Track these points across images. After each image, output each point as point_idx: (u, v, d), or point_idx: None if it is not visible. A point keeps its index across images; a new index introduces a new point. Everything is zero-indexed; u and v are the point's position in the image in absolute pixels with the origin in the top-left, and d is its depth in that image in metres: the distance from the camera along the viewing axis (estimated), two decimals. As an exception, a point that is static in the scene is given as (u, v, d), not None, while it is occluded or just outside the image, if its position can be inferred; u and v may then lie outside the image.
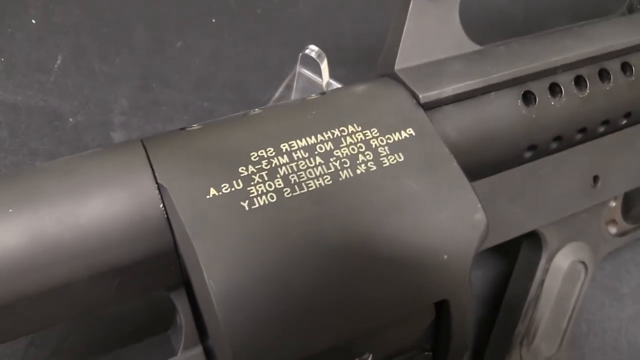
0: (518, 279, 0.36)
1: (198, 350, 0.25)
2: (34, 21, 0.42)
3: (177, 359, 0.25)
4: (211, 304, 0.20)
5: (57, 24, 0.42)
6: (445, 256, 0.23)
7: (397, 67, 0.27)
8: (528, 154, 0.30)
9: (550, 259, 0.34)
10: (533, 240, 0.34)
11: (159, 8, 0.44)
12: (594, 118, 0.31)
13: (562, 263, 0.34)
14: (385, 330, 0.23)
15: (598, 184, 0.34)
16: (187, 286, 0.24)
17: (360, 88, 0.27)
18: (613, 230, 0.37)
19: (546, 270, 0.34)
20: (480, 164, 0.28)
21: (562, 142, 0.31)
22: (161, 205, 0.21)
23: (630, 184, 0.35)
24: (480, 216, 0.24)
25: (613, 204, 0.37)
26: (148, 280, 0.22)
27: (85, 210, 0.21)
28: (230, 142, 0.23)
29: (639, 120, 0.33)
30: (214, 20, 0.44)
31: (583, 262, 0.35)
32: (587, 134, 0.31)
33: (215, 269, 0.20)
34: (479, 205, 0.24)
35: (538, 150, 0.30)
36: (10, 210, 0.20)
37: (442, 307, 0.24)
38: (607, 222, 0.37)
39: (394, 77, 0.27)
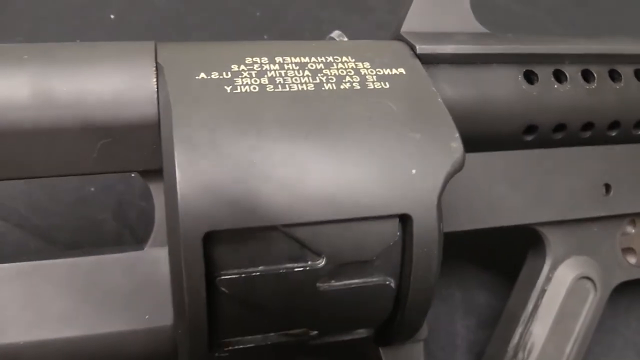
0: (519, 288, 0.33)
1: (165, 251, 0.25)
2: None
3: (142, 252, 0.25)
4: (172, 162, 0.21)
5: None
6: (414, 171, 0.23)
7: (402, 30, 0.29)
8: (529, 137, 0.30)
9: (554, 268, 0.32)
10: (537, 248, 0.33)
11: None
12: (601, 114, 0.30)
13: (566, 275, 0.32)
14: (341, 233, 0.22)
15: (610, 194, 0.32)
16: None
17: (363, 41, 0.29)
18: (632, 260, 0.34)
19: (549, 280, 0.32)
20: (476, 132, 0.28)
21: (567, 133, 0.30)
22: (154, 80, 0.23)
23: (647, 204, 0.33)
24: (456, 145, 0.24)
25: (632, 230, 0.34)
26: (129, 152, 0.24)
27: (87, 69, 0.23)
28: (231, 49, 0.25)
29: None
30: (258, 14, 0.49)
31: (591, 280, 0.32)
32: (595, 132, 0.31)
33: (185, 131, 0.21)
34: (457, 135, 0.24)
35: (540, 135, 0.30)
36: (25, 57, 0.23)
37: (406, 227, 0.23)
38: (624, 249, 0.34)
39: (398, 37, 0.29)
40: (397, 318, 0.25)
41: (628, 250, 0.35)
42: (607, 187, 0.32)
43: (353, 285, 0.23)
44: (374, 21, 0.51)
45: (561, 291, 0.32)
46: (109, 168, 0.24)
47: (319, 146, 0.22)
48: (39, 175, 0.24)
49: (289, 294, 0.22)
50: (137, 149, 0.24)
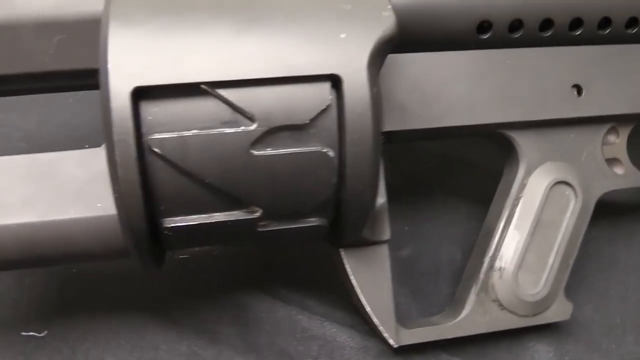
0: (496, 200, 0.32)
1: None
2: None
3: (99, 149, 0.26)
4: (107, 27, 0.22)
5: None
6: (343, 35, 0.23)
7: None
8: (484, 36, 0.29)
9: (528, 174, 0.31)
10: (511, 156, 0.32)
11: None
12: (559, 10, 0.30)
13: (541, 180, 0.30)
14: (271, 95, 0.22)
15: (582, 95, 0.31)
16: None
17: None
18: (619, 170, 0.32)
19: (523, 187, 0.31)
20: (430, 30, 0.28)
21: (525, 31, 0.30)
22: None
23: (622, 107, 0.31)
24: (388, 14, 0.24)
25: (615, 140, 0.32)
26: (83, 48, 0.25)
27: None
28: None
29: (622, 35, 0.31)
30: None
31: (570, 185, 0.31)
32: (556, 31, 0.30)
33: (121, 9, 0.23)
34: (390, 6, 0.24)
35: (496, 33, 0.29)
36: None
37: (339, 92, 0.23)
38: (610, 159, 0.32)
39: None
40: (343, 197, 0.25)
41: (614, 160, 0.33)
42: (578, 89, 0.31)
43: (289, 153, 0.23)
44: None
45: (537, 197, 0.30)
46: (67, 65, 0.26)
47: (248, 12, 0.23)
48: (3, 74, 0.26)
49: (223, 159, 0.23)
50: (91, 44, 0.26)
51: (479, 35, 0.30)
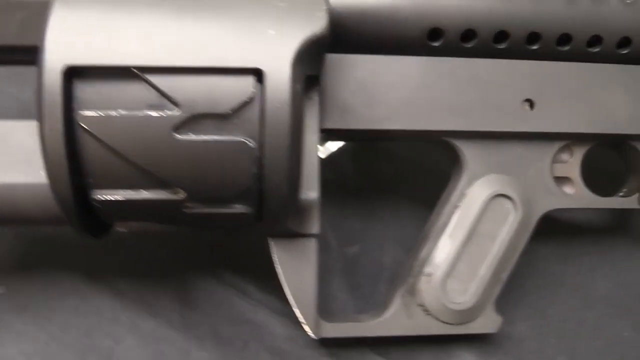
0: (437, 207, 0.32)
1: None
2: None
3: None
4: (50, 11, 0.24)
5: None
6: (272, 32, 0.24)
7: None
8: (436, 43, 0.29)
9: (469, 184, 0.31)
10: (456, 165, 0.32)
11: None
12: (515, 23, 0.29)
13: (481, 191, 0.30)
14: (196, 83, 0.23)
15: (534, 109, 0.30)
16: None
17: None
18: (569, 190, 0.32)
19: (463, 196, 0.31)
20: (380, 33, 0.29)
21: (478, 42, 0.29)
22: None
23: (575, 126, 0.31)
24: (321, 14, 0.25)
25: (568, 158, 0.32)
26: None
27: None
28: None
29: (584, 53, 0.31)
30: None
31: (511, 199, 0.30)
32: (511, 43, 0.30)
33: None
34: (325, 7, 0.25)
35: (448, 42, 0.29)
36: None
37: (262, 86, 0.24)
38: (560, 178, 0.32)
39: None
40: (263, 187, 0.25)
41: (564, 179, 0.32)
42: (531, 103, 0.31)
43: (211, 140, 0.24)
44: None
45: (474, 208, 0.30)
46: (28, 41, 0.28)
47: (185, 3, 0.24)
48: None
49: (147, 140, 0.24)
50: None
51: (430, 42, 0.30)
